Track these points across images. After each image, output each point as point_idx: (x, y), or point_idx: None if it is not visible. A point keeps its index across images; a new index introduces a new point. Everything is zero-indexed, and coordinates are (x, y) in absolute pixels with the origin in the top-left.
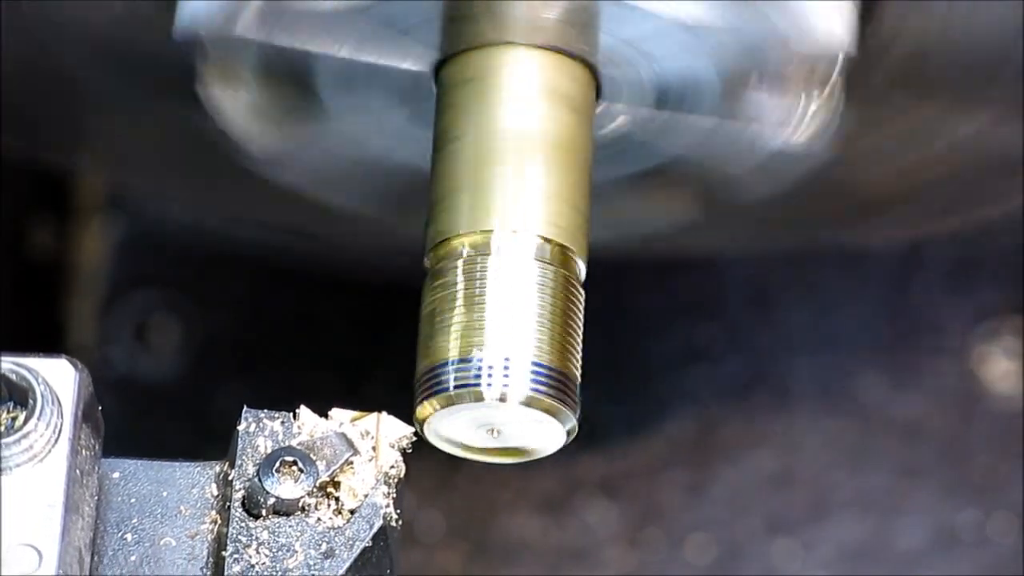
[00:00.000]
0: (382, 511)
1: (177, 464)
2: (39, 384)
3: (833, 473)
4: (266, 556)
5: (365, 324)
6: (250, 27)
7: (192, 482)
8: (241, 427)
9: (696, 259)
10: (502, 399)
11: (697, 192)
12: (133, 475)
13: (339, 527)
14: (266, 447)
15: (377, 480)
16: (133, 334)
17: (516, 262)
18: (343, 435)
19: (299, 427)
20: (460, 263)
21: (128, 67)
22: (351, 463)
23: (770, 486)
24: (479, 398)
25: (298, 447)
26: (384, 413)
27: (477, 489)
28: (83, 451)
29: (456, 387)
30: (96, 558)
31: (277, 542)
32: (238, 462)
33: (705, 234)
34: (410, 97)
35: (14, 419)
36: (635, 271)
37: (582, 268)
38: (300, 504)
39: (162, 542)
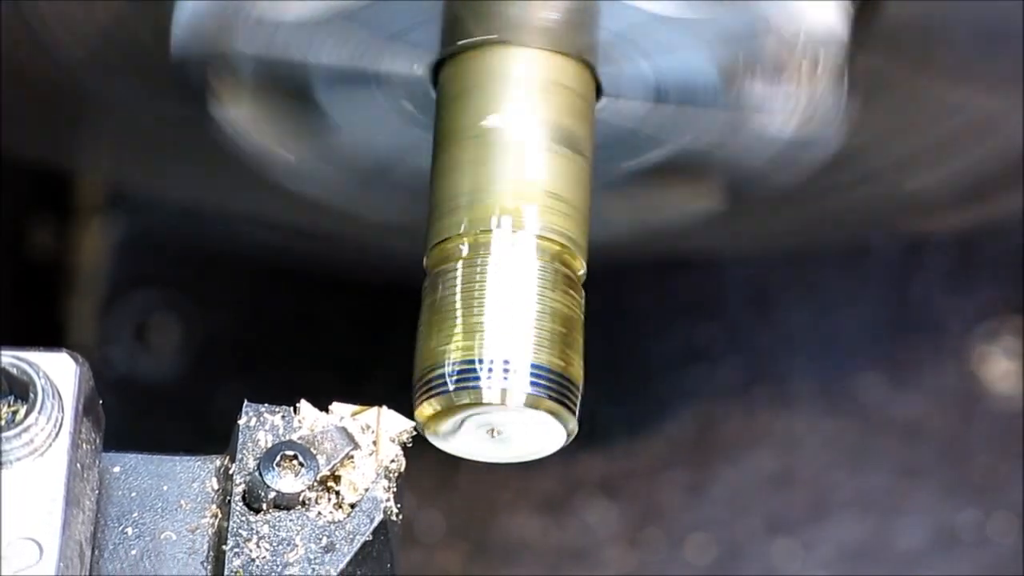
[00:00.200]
0: (382, 505)
1: (177, 458)
2: (40, 378)
3: (833, 473)
4: (266, 550)
5: (365, 324)
6: (247, 41)
7: (192, 476)
8: (242, 421)
9: (696, 259)
10: (502, 400)
11: (718, 184)
12: (134, 469)
13: (339, 521)
14: (267, 441)
15: (377, 474)
16: (133, 334)
17: (516, 262)
18: (343, 429)
19: (299, 421)
20: (460, 263)
21: (130, 67)
22: (351, 457)
23: (770, 486)
24: (479, 398)
25: (298, 441)
26: (384, 407)
27: (477, 489)
28: (84, 445)
29: (456, 387)
30: (97, 552)
31: (278, 536)
32: (238, 456)
33: (705, 234)
34: (410, 98)
35: (15, 413)
36: (635, 271)
37: (582, 268)
38: (300, 498)
39: (162, 536)
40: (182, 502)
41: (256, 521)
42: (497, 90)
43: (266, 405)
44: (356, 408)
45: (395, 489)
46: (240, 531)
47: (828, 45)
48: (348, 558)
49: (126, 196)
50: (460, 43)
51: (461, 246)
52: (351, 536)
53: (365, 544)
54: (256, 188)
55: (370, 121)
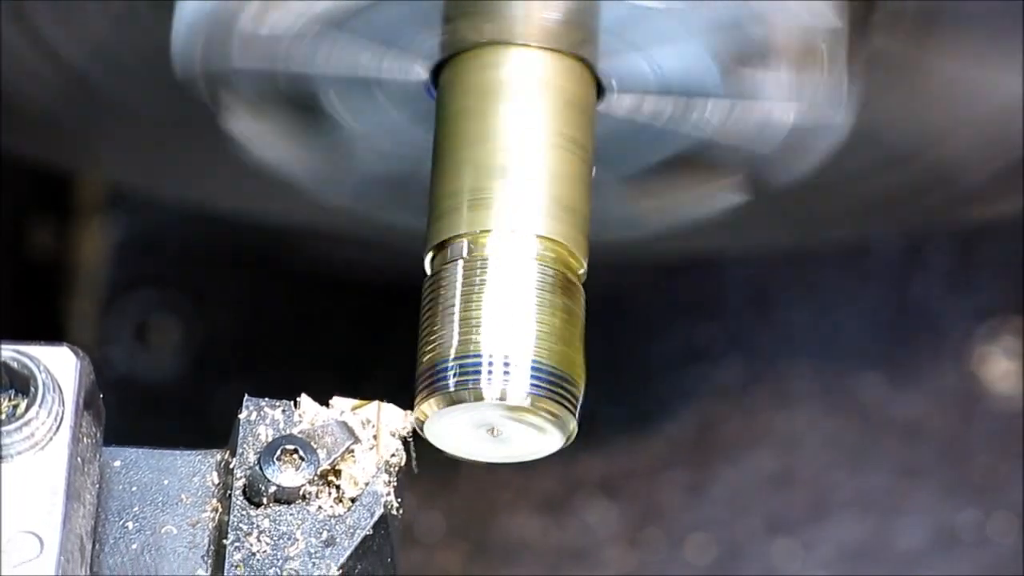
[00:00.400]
0: (383, 499)
1: (178, 452)
2: (40, 372)
3: (833, 473)
4: (267, 544)
5: (365, 324)
6: (246, 56)
7: (193, 470)
8: (242, 415)
9: (696, 259)
10: (502, 399)
11: (737, 176)
12: (134, 463)
13: (340, 515)
14: (267, 435)
15: (378, 468)
16: (133, 334)
17: (516, 262)
18: (344, 424)
19: (300, 416)
20: (460, 263)
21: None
22: (352, 451)
23: (770, 486)
24: (479, 398)
25: (299, 435)
26: (385, 402)
27: (477, 489)
28: (84, 439)
29: (456, 387)
30: (97, 546)
31: (278, 530)
32: (239, 450)
33: (705, 234)
34: (410, 98)
35: (15, 407)
36: (635, 271)
37: (582, 268)
38: (301, 492)
39: (163, 530)
40: (183, 496)
41: (257, 515)
42: (497, 90)
43: (266, 399)
44: (356, 402)
45: (396, 483)
46: (241, 525)
47: (820, 30)
48: (349, 552)
49: (126, 196)
50: (460, 43)
51: (461, 246)
52: (352, 530)
53: (366, 538)
54: (256, 188)
55: (370, 122)
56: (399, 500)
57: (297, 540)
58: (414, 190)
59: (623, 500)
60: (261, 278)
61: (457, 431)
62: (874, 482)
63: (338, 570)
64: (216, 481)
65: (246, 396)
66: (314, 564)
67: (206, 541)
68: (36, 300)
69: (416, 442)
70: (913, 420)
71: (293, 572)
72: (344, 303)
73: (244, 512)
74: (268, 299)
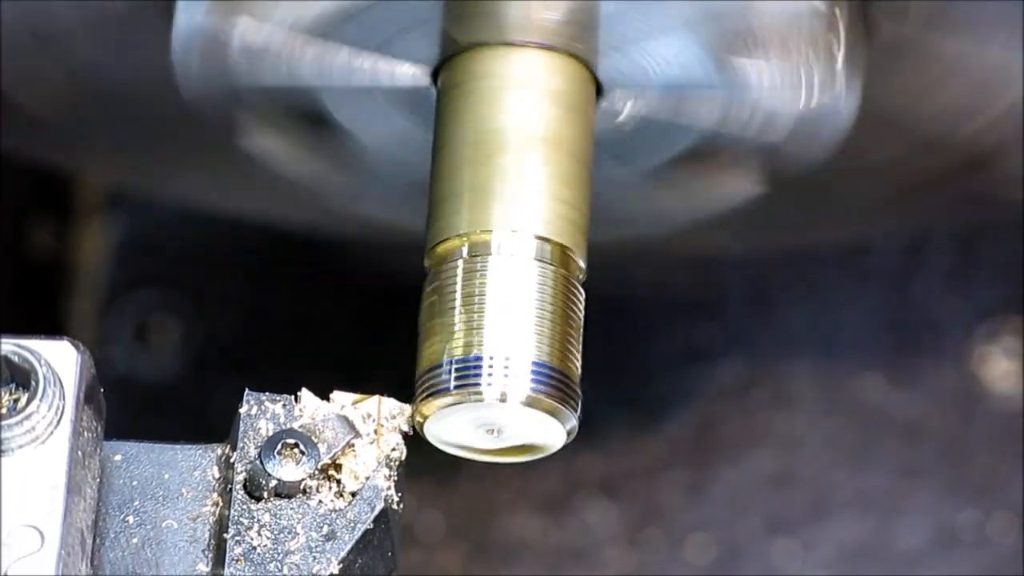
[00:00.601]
0: (383, 493)
1: (179, 447)
2: (41, 366)
3: (833, 473)
4: (268, 538)
5: (365, 324)
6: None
7: (194, 465)
8: (243, 409)
9: (696, 259)
10: (502, 399)
11: (752, 166)
12: (135, 458)
13: (340, 509)
14: (268, 430)
15: (379, 463)
16: (133, 334)
17: (516, 262)
18: (344, 418)
19: (300, 410)
20: (460, 263)
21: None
22: (352, 446)
23: (770, 486)
24: (479, 398)
25: (300, 430)
26: (385, 396)
27: (477, 489)
28: (85, 433)
29: (456, 387)
30: (98, 540)
31: (279, 524)
32: (240, 444)
33: (705, 234)
34: (410, 98)
35: (16, 401)
36: (635, 271)
37: (582, 268)
38: (302, 486)
39: (164, 524)
40: (183, 490)
41: (257, 509)
42: (496, 90)
43: (267, 394)
44: (357, 397)
45: (396, 478)
46: (241, 519)
47: (806, 15)
48: (349, 546)
49: (126, 196)
50: (459, 44)
51: (461, 246)
52: (352, 524)
53: (366, 532)
54: (256, 188)
55: (370, 122)
56: (399, 494)
57: (298, 534)
58: (399, 185)
59: (623, 500)
60: (261, 278)
61: (457, 431)
62: (874, 482)
63: (339, 564)
64: (217, 475)
65: (247, 390)
66: (315, 558)
67: (207, 535)
68: (36, 300)
69: (416, 442)
70: (913, 420)
71: (294, 566)
72: (344, 303)
73: (245, 506)
74: (268, 299)
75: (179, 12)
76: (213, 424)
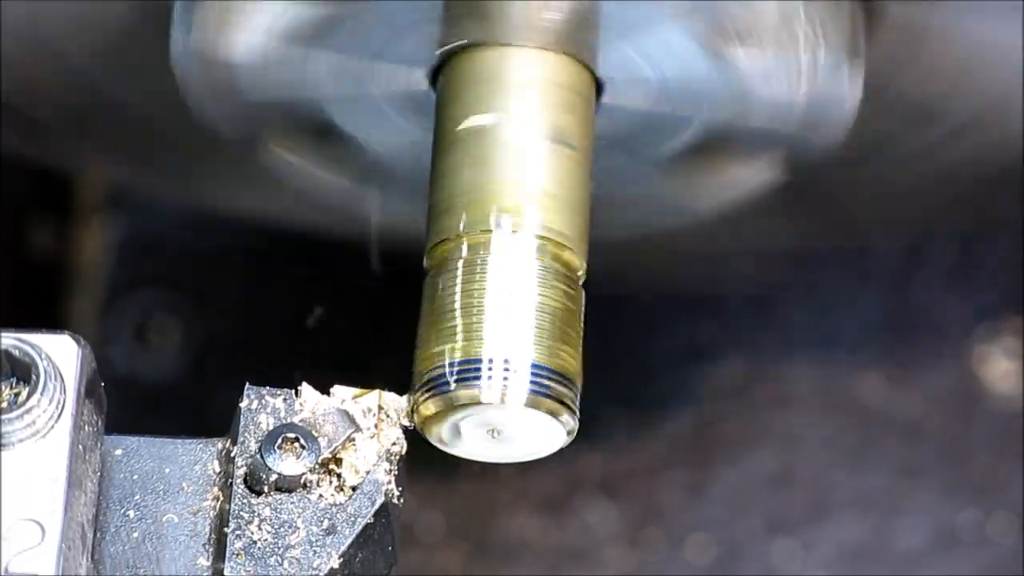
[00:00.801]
0: (384, 487)
1: (179, 441)
2: (42, 359)
3: (833, 473)
4: (268, 532)
5: (365, 324)
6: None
7: (194, 459)
8: (243, 404)
9: (696, 259)
10: (502, 399)
11: (764, 154)
12: (136, 452)
13: (341, 503)
14: (268, 424)
15: (379, 457)
16: (133, 334)
17: (516, 262)
18: (345, 412)
19: (301, 404)
20: (460, 263)
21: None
22: (353, 440)
23: (770, 486)
24: (479, 398)
25: (300, 424)
26: (386, 390)
27: (477, 489)
28: (86, 427)
29: (457, 387)
30: (99, 534)
31: (279, 518)
32: (240, 439)
33: (705, 234)
34: (409, 99)
35: (17, 394)
36: (635, 271)
37: (582, 267)
38: (302, 480)
39: (164, 519)
40: (184, 485)
41: (258, 503)
42: (496, 90)
43: (268, 388)
44: (357, 391)
45: (396, 472)
46: (242, 513)
47: (798, 5)
48: (350, 540)
49: (126, 196)
50: (459, 43)
51: (461, 246)
52: (353, 518)
53: (367, 526)
54: (256, 188)
55: (370, 122)
56: (400, 489)
57: (298, 528)
58: (399, 185)
59: (623, 500)
60: (261, 278)
61: (458, 431)
62: (874, 482)
63: (339, 558)
64: (217, 469)
65: (247, 384)
66: (315, 552)
67: (207, 529)
68: (36, 300)
69: (416, 442)
70: (913, 420)
71: (294, 560)
72: (344, 303)
73: (245, 500)
74: (268, 299)
75: (173, 32)
76: (213, 424)
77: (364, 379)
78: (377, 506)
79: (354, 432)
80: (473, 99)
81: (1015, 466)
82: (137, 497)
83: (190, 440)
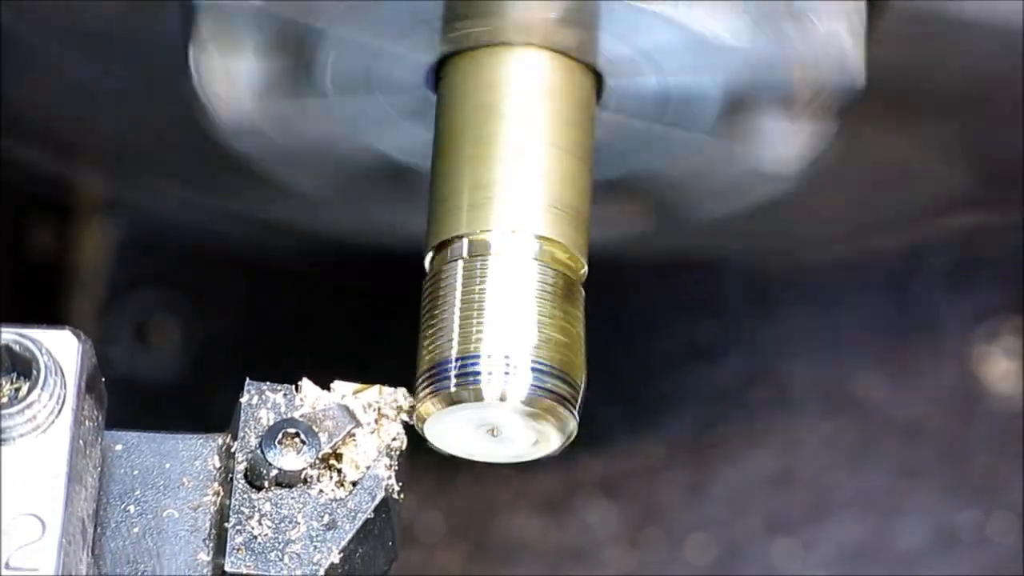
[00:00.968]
0: (384, 483)
1: (180, 436)
2: (42, 355)
3: (833, 473)
4: (268, 527)
5: (365, 324)
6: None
7: (194, 454)
8: (244, 399)
9: (696, 259)
10: (503, 398)
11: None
12: (136, 447)
13: (341, 499)
14: (268, 419)
15: (379, 452)
16: (133, 334)
17: (516, 262)
18: (345, 407)
19: (301, 399)
20: (460, 263)
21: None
22: (353, 435)
23: (770, 486)
24: (480, 397)
25: (300, 419)
26: (386, 386)
27: (477, 489)
28: (86, 422)
29: (457, 387)
30: (99, 529)
31: (279, 513)
32: (240, 434)
33: (705, 234)
34: (410, 96)
35: (17, 390)
36: (635, 271)
37: (582, 268)
38: (302, 476)
39: (165, 514)
40: (184, 480)
41: (258, 499)
42: (497, 90)
43: (268, 383)
44: (358, 386)
45: (397, 467)
46: (242, 509)
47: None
48: (350, 535)
49: (126, 196)
50: (461, 43)
51: (461, 246)
52: (353, 513)
53: (367, 522)
54: (257, 189)
55: (371, 121)
56: (400, 484)
57: (298, 523)
58: (399, 185)
59: (623, 500)
60: (261, 278)
61: (458, 431)
62: (874, 482)
63: (339, 553)
64: (218, 465)
65: (247, 380)
66: (315, 547)
67: (207, 524)
68: (36, 300)
69: (416, 442)
70: (913, 420)
71: (294, 555)
72: (344, 303)
73: (245, 495)
74: (268, 299)
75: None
76: (213, 424)
77: (364, 379)
78: (377, 501)
79: (354, 427)
80: (475, 98)
81: (1015, 466)
82: (137, 492)
83: (190, 435)
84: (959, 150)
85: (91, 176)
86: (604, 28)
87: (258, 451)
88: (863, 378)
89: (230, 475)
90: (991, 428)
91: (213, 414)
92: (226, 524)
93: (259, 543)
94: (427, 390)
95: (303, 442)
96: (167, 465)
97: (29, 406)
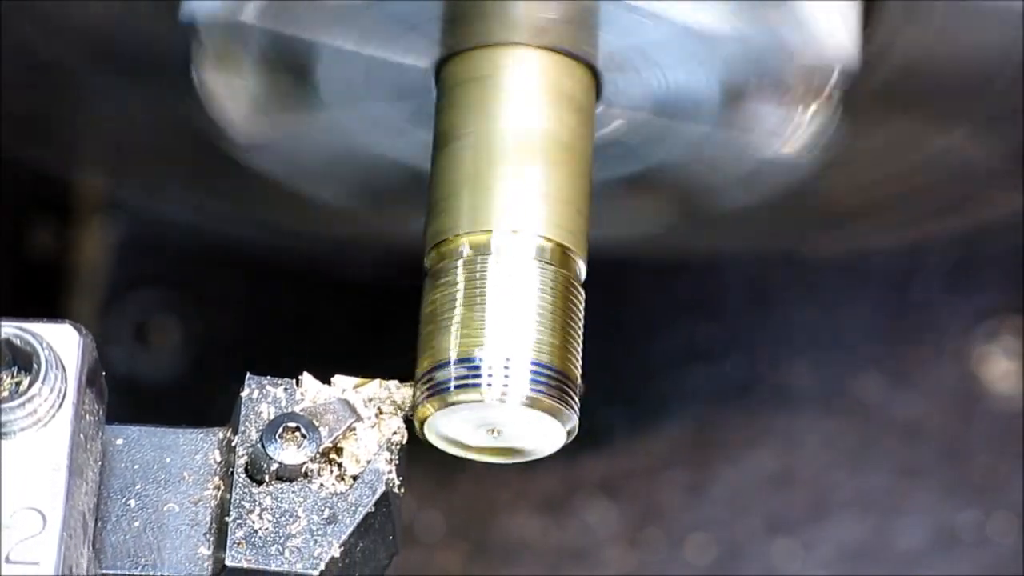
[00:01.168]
0: (384, 477)
1: (180, 431)
2: (43, 348)
3: (833, 473)
4: (269, 522)
5: (365, 324)
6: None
7: (195, 448)
8: (244, 393)
9: (696, 259)
10: (502, 399)
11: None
12: (137, 441)
13: (342, 493)
14: (269, 413)
15: (380, 446)
16: (133, 334)
17: (516, 262)
18: (346, 401)
19: (302, 393)
20: (460, 263)
21: (125, 60)
22: (354, 429)
23: (770, 486)
24: (479, 398)
25: (301, 413)
26: (387, 380)
27: (477, 489)
28: (87, 416)
29: (457, 387)
30: (100, 523)
31: (280, 508)
32: (241, 428)
33: (705, 234)
34: (411, 95)
35: (18, 383)
36: (635, 271)
37: (582, 268)
38: (303, 470)
39: (165, 508)
40: (185, 474)
41: (259, 493)
42: (497, 90)
43: (268, 377)
44: (359, 381)
45: (397, 461)
46: (243, 503)
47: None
48: (350, 529)
49: (126, 196)
50: (459, 44)
51: (461, 246)
52: (353, 508)
53: (368, 516)
54: (257, 189)
55: (371, 120)
56: (401, 478)
57: (299, 517)
58: (400, 185)
59: (623, 500)
60: (261, 278)
61: (457, 431)
62: (874, 482)
63: (340, 547)
64: (218, 459)
65: (248, 374)
66: (316, 541)
67: (208, 519)
68: (36, 300)
69: (416, 442)
70: (913, 420)
71: (295, 549)
72: (344, 303)
73: (246, 490)
74: (268, 299)
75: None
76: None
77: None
78: (378, 495)
79: (355, 421)
80: (475, 98)
81: (1015, 466)
82: (138, 486)
83: (191, 430)
84: (982, 135)
85: (91, 176)
86: (598, 26)
87: (259, 445)
88: (863, 378)
89: (231, 469)
90: (991, 428)
91: (213, 414)
92: (227, 518)
93: (260, 537)
94: (427, 391)
95: (304, 436)
96: (168, 459)
97: (30, 400)
